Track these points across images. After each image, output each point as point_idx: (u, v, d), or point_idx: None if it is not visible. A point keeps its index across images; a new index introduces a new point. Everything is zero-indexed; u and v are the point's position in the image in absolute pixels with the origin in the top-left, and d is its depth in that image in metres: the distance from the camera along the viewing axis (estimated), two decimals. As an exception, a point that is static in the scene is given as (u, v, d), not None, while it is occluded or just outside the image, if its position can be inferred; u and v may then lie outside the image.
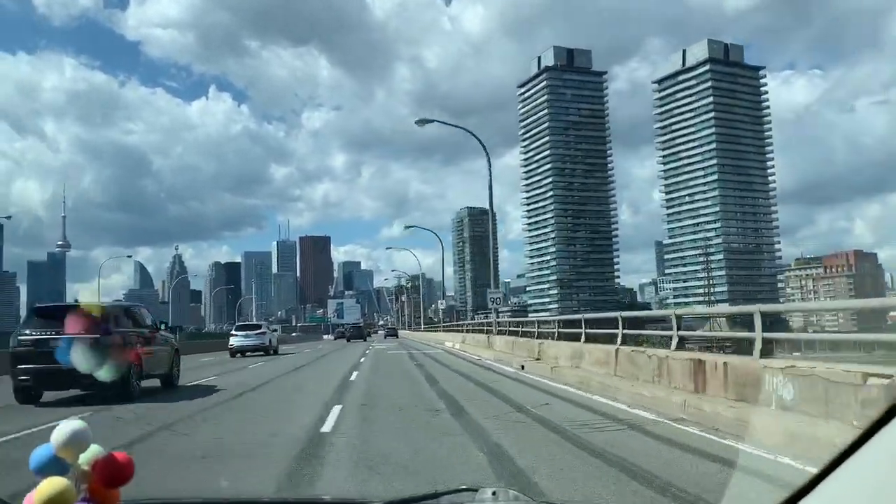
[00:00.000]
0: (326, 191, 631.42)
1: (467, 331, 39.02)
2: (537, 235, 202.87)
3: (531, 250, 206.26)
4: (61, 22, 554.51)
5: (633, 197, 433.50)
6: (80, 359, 9.88)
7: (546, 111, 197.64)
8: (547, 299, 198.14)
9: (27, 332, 12.48)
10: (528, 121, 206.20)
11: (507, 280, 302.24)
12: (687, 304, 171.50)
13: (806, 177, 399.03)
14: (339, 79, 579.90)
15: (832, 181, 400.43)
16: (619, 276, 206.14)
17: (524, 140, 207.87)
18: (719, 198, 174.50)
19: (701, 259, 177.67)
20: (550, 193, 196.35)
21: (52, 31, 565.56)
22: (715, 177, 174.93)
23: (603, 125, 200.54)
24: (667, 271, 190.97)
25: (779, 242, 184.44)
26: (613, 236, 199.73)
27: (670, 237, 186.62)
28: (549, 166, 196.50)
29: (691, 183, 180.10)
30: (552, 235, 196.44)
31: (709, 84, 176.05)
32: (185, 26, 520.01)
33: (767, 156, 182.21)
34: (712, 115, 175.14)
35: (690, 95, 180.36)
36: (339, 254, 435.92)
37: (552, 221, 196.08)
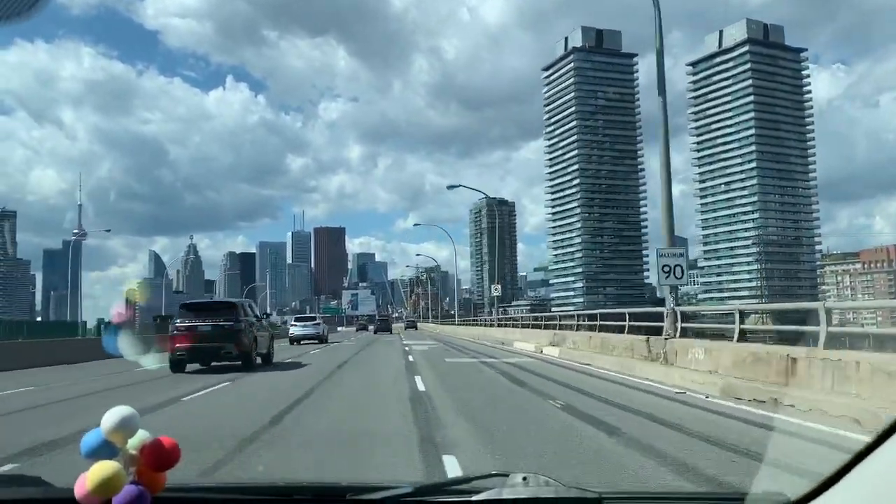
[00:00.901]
0: (342, 182, 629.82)
1: (547, 326, 28.96)
2: (562, 226, 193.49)
3: (555, 241, 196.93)
4: (80, 10, 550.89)
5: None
6: (218, 339, 16.55)
7: (573, 95, 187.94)
8: (571, 293, 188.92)
9: (179, 321, 17.48)
10: (554, 105, 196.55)
11: (522, 273, 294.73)
12: (721, 299, 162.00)
13: (828, 173, 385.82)
14: (356, 70, 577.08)
15: (853, 177, 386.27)
16: (647, 270, 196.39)
17: (549, 126, 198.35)
18: (758, 187, 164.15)
19: (738, 252, 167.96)
20: (577, 181, 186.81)
21: (71, 20, 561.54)
22: (753, 164, 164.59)
23: (633, 110, 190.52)
24: (699, 264, 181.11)
25: (819, 236, 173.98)
26: (642, 227, 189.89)
27: (704, 228, 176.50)
28: (575, 153, 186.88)
29: (727, 171, 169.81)
30: (578, 226, 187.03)
31: (747, 66, 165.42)
32: (203, 16, 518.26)
33: (809, 143, 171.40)
34: (751, 98, 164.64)
35: (727, 78, 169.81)
36: (353, 245, 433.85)
37: (578, 211, 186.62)
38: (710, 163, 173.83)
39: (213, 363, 17.25)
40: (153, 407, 9.97)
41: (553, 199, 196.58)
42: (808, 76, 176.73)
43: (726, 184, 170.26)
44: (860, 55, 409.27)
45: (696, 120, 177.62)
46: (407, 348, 27.98)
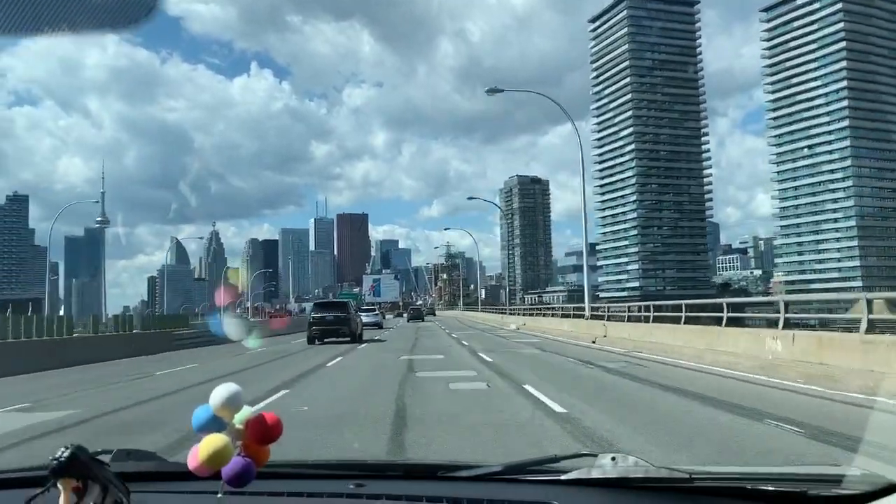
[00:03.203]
0: (366, 169, 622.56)
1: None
2: (613, 199, 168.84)
3: (604, 218, 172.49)
4: None
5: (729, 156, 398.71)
6: (337, 324, 27.70)
7: (626, 48, 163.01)
8: (624, 276, 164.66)
9: (314, 312, 29.52)
10: (603, 62, 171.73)
11: (553, 258, 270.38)
12: (807, 283, 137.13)
13: None
14: (380, 54, 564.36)
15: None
16: (712, 249, 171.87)
17: (597, 86, 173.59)
18: (850, 150, 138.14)
19: (825, 227, 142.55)
20: (631, 148, 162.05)
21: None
22: (845, 123, 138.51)
23: (695, 66, 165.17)
24: (776, 242, 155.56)
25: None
26: (706, 199, 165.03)
27: (782, 200, 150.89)
28: (629, 114, 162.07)
29: (812, 132, 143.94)
30: (633, 198, 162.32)
31: (838, 7, 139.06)
32: (226, 1, 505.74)
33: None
34: (842, 45, 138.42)
35: (812, 22, 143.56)
36: (377, 233, 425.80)
37: (633, 181, 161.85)
38: (789, 123, 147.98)
39: (332, 339, 27.51)
40: (323, 363, 17.48)
41: (602, 170, 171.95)
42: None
43: (810, 147, 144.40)
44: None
45: (772, 74, 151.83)
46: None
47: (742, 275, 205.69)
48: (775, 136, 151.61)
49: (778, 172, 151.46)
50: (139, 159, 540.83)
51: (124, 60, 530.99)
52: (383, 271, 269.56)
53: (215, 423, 1.34)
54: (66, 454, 1.15)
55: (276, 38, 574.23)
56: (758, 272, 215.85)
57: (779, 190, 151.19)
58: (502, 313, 54.26)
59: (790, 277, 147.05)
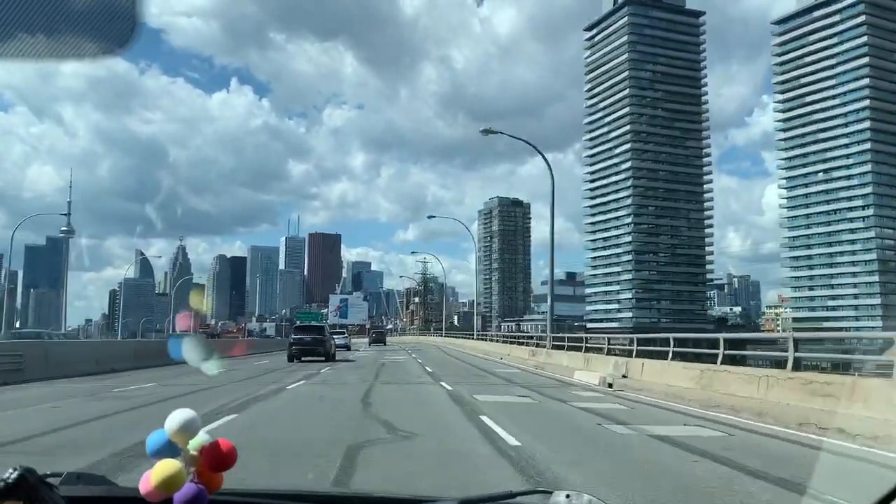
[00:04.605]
0: (343, 190, 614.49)
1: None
2: (606, 221, 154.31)
3: (594, 242, 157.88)
4: (82, 4, 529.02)
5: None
6: (314, 345, 30.60)
7: (625, 58, 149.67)
8: (615, 306, 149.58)
9: (294, 334, 32.74)
10: (598, 73, 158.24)
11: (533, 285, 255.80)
12: (816, 321, 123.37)
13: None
14: (363, 76, 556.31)
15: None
16: (711, 280, 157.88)
17: (591, 98, 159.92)
18: (872, 175, 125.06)
19: (840, 260, 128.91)
20: (627, 166, 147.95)
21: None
22: (867, 146, 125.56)
23: (698, 81, 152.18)
24: (782, 275, 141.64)
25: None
26: (707, 225, 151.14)
27: (791, 229, 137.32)
28: (627, 128, 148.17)
29: (828, 155, 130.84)
30: (628, 221, 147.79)
31: (861, 20, 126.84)
32: (209, 15, 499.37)
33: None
34: (865, 61, 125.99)
35: (831, 36, 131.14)
36: (350, 255, 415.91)
37: (629, 202, 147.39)
38: (803, 145, 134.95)
39: (308, 359, 29.95)
40: (309, 375, 20.25)
41: (594, 189, 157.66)
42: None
43: (825, 171, 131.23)
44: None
45: (783, 92, 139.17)
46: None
47: (721, 311, 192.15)
48: (785, 159, 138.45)
49: (788, 199, 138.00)
50: (112, 171, 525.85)
51: (102, 70, 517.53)
52: (354, 293, 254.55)
53: (169, 449, 1.32)
54: (13, 475, 1.12)
55: (258, 55, 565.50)
56: (737, 309, 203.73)
57: (788, 218, 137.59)
58: (499, 342, 43.28)
59: (799, 314, 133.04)
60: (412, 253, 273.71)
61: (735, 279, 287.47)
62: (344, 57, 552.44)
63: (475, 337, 52.12)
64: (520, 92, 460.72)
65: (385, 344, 70.50)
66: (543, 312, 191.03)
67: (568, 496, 1.46)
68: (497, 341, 42.27)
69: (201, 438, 1.35)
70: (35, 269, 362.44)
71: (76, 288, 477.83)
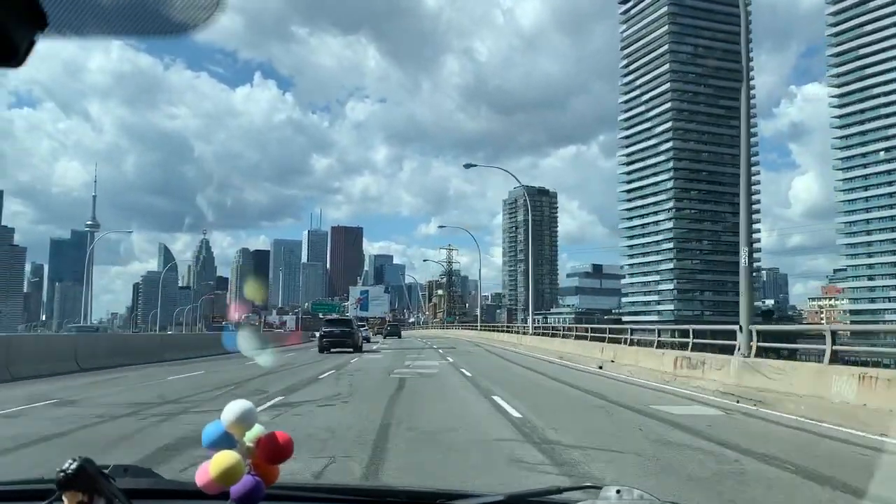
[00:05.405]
0: (366, 184, 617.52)
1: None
2: (644, 206, 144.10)
3: (631, 229, 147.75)
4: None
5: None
6: (343, 337, 32.18)
7: (665, 30, 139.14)
8: (654, 297, 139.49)
9: (325, 327, 33.52)
10: (634, 49, 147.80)
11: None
12: (876, 314, 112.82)
13: None
14: (386, 69, 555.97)
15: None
16: (759, 269, 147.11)
17: (627, 75, 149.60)
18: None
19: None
20: (668, 147, 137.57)
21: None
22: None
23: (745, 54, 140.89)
24: (839, 265, 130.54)
25: None
26: (754, 211, 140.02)
27: (848, 213, 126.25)
28: (668, 106, 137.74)
29: (891, 132, 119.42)
30: (668, 206, 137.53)
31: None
32: (233, 10, 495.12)
33: None
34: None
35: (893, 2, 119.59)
36: (372, 249, 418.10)
37: (670, 186, 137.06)
38: (861, 122, 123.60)
39: (338, 349, 31.26)
40: (343, 363, 21.79)
41: (630, 172, 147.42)
42: None
43: (887, 150, 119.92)
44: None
45: (839, 65, 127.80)
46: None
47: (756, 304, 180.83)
48: (841, 138, 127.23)
49: (844, 181, 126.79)
50: (138, 165, 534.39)
51: (128, 65, 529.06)
52: (375, 286, 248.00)
53: (226, 440, 1.31)
54: (73, 466, 1.11)
55: (282, 50, 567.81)
56: (769, 302, 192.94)
57: (844, 202, 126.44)
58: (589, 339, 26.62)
59: (856, 306, 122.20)
60: (440, 227, 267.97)
61: (763, 272, 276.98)
62: (367, 50, 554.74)
63: (530, 332, 38.31)
64: (542, 84, 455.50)
65: (400, 337, 68.71)
66: (569, 305, 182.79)
67: (618, 491, 1.45)
68: (581, 339, 27.39)
69: (257, 430, 1.34)
70: (60, 262, 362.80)
71: (104, 282, 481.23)
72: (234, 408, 1.32)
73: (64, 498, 1.12)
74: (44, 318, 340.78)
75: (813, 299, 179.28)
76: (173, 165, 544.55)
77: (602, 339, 24.10)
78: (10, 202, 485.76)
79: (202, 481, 1.26)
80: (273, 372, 18.31)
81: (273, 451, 1.33)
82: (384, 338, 64.07)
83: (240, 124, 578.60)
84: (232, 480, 1.26)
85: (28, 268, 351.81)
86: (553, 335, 33.14)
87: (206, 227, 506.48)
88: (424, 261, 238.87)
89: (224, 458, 1.26)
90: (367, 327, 61.85)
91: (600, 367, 18.99)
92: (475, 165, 25.95)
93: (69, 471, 1.10)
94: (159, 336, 49.14)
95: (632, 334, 22.94)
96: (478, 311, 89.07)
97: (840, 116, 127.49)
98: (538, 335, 35.81)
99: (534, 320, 43.74)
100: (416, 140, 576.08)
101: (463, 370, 18.97)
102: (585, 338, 26.51)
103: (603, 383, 15.08)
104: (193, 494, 1.32)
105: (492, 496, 1.51)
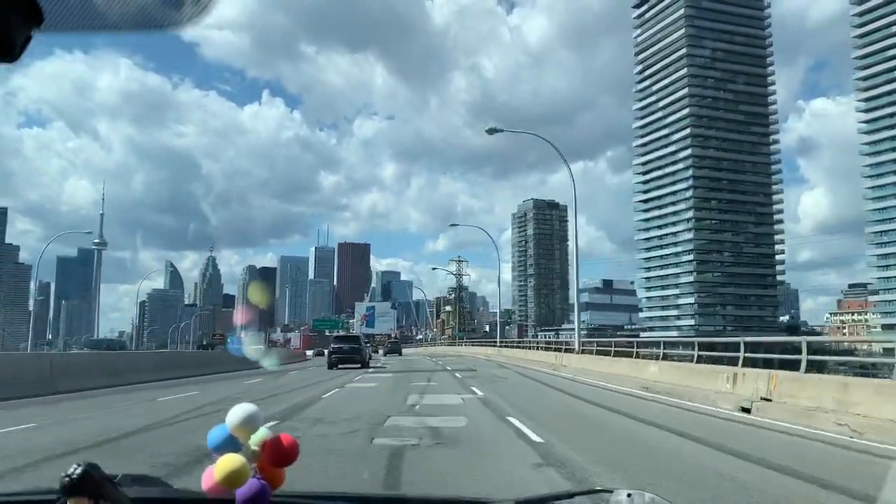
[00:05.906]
0: (374, 201, 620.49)
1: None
2: (662, 216, 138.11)
3: (648, 241, 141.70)
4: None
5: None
6: (351, 353, 33.11)
7: (682, 34, 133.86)
8: (674, 313, 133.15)
9: (334, 344, 34.73)
10: (650, 53, 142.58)
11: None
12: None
13: None
14: (393, 87, 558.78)
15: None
16: (782, 283, 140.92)
17: (642, 81, 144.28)
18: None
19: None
20: (687, 153, 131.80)
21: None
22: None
23: (764, 59, 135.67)
24: (872, 277, 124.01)
25: None
26: (776, 220, 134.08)
27: (877, 223, 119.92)
28: (686, 111, 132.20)
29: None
30: (688, 217, 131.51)
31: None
32: (241, 28, 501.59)
33: None
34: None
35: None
36: (380, 265, 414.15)
37: (689, 195, 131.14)
38: (892, 126, 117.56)
39: (346, 366, 31.70)
40: (350, 380, 21.70)
41: (647, 182, 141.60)
42: None
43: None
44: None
45: (864, 68, 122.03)
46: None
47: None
48: (868, 132, 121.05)
49: (873, 188, 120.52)
50: (147, 184, 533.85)
51: (136, 84, 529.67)
52: (382, 302, 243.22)
53: (231, 444, 1.30)
54: (78, 471, 1.11)
55: (289, 68, 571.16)
56: (784, 318, 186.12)
57: (874, 210, 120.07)
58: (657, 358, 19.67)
59: (889, 320, 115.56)
60: (452, 225, 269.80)
61: (787, 285, 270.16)
62: (374, 68, 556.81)
63: (576, 349, 29.43)
64: (549, 100, 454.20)
65: (400, 354, 67.10)
66: (583, 321, 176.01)
67: (629, 495, 1.44)
68: (670, 358, 20.09)
69: (263, 433, 1.33)
70: (67, 280, 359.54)
71: (111, 300, 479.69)
72: (238, 411, 1.30)
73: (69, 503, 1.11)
74: (49, 338, 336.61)
75: (834, 314, 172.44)
76: (181, 183, 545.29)
77: (719, 360, 16.55)
78: (19, 221, 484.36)
79: (207, 485, 1.26)
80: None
81: (278, 454, 1.32)
82: (383, 356, 62.92)
83: (248, 142, 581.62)
84: (237, 483, 1.25)
85: (33, 286, 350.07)
86: (617, 354, 24.05)
87: (213, 244, 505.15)
88: (433, 269, 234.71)
89: (229, 462, 1.25)
90: (370, 344, 60.54)
91: (745, 411, 11.32)
92: (501, 130, 22.16)
93: (74, 476, 1.09)
94: (56, 354, 45.47)
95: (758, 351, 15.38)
96: (487, 327, 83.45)
97: (868, 122, 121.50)
98: (585, 353, 28.07)
99: (537, 336, 39.69)
100: (423, 156, 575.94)
101: (513, 420, 10.17)
102: (691, 357, 17.57)
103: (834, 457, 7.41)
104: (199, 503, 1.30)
105: (502, 501, 1.50)
